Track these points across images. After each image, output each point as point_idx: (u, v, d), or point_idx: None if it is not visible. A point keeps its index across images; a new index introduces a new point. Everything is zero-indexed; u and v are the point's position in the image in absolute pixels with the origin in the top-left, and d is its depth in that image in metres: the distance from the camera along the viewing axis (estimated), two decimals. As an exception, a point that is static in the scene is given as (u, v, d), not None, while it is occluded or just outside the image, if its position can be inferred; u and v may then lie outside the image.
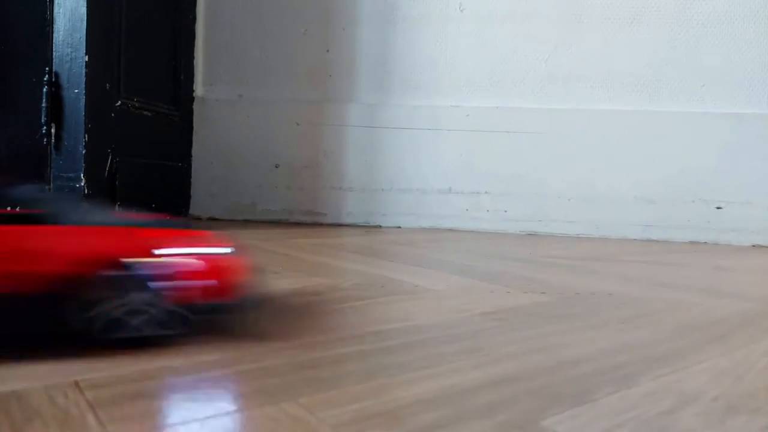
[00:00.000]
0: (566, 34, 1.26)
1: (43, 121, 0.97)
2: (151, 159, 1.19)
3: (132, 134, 1.12)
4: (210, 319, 0.36)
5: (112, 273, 0.32)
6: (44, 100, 0.97)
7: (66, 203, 0.42)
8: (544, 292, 0.59)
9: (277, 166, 1.34)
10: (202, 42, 1.36)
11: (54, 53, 0.98)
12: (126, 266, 0.32)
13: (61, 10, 0.97)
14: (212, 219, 1.33)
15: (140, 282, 0.33)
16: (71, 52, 0.97)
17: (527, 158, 1.26)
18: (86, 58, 0.97)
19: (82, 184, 0.98)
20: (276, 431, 0.25)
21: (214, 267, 0.35)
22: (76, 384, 0.29)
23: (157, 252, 0.34)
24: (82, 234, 0.33)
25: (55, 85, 0.98)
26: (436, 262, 0.79)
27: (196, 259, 0.35)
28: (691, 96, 1.22)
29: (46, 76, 0.97)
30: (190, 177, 1.34)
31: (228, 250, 0.36)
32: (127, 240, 0.34)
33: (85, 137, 0.98)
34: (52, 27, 0.98)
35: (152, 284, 0.33)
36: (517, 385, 0.31)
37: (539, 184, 1.26)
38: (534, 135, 1.26)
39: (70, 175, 0.98)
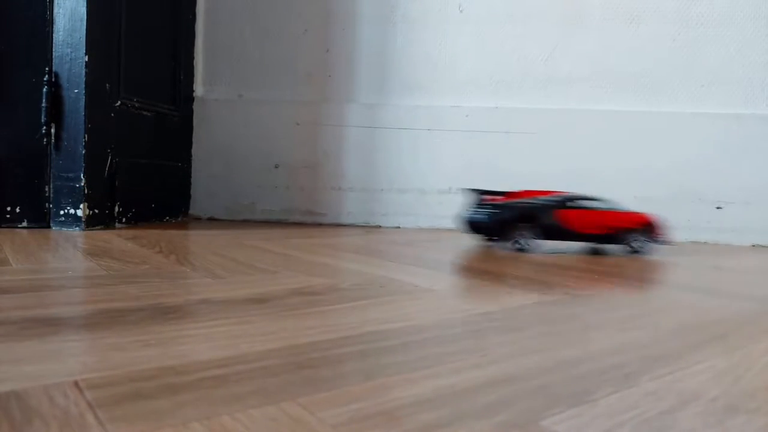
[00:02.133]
0: (566, 34, 1.26)
1: (43, 121, 0.97)
2: (151, 159, 1.20)
3: (132, 134, 1.12)
4: (655, 246, 0.94)
5: (639, 228, 0.94)
6: (44, 100, 0.97)
7: (603, 200, 0.96)
8: (544, 292, 0.59)
9: (276, 167, 1.34)
10: (202, 42, 1.36)
11: (54, 53, 0.98)
12: (644, 225, 0.94)
13: (61, 10, 0.98)
14: (212, 219, 1.33)
15: (645, 231, 0.94)
16: (71, 52, 0.98)
17: (527, 158, 1.26)
18: (86, 58, 0.97)
19: (82, 184, 0.98)
20: (276, 431, 0.25)
21: (656, 225, 0.94)
22: (76, 384, 0.29)
23: (641, 222, 0.94)
24: (621, 213, 0.95)
25: (55, 85, 0.98)
26: (436, 262, 0.79)
27: (652, 223, 0.94)
28: (691, 96, 1.22)
29: (46, 76, 0.97)
30: (190, 177, 1.34)
31: (657, 218, 0.95)
32: (633, 216, 0.95)
33: (85, 137, 0.98)
34: (52, 27, 0.98)
35: (643, 232, 0.94)
36: (517, 385, 0.31)
37: (539, 184, 1.26)
38: (534, 135, 1.26)
39: (70, 175, 0.98)
